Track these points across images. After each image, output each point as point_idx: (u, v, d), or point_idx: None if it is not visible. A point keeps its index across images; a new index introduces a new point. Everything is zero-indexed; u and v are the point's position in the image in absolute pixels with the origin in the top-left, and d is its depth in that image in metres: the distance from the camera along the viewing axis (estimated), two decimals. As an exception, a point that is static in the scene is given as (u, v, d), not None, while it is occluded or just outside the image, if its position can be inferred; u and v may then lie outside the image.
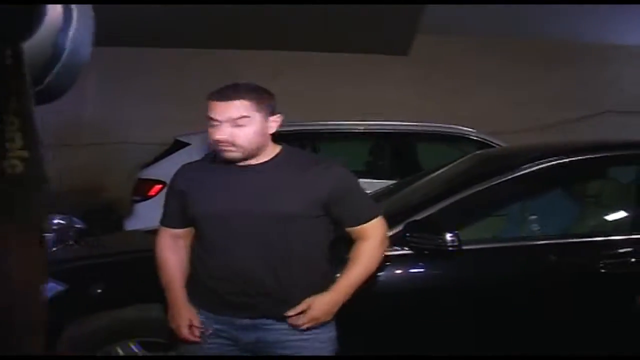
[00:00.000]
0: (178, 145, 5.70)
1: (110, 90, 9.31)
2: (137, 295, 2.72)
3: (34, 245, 0.84)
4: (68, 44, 0.86)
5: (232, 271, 2.08)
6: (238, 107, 2.03)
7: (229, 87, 2.08)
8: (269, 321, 2.09)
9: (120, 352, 2.83)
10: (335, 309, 2.13)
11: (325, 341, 2.16)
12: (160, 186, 4.81)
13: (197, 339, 2.13)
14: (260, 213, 2.05)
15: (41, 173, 0.82)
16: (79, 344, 2.81)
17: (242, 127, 2.03)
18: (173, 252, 2.22)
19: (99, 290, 2.88)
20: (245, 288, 2.07)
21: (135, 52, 9.04)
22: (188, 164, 2.30)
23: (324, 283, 2.14)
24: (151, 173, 5.23)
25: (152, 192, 4.95)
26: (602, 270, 2.74)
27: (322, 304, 2.09)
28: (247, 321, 2.09)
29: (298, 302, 2.07)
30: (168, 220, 2.25)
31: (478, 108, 8.34)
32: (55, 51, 0.85)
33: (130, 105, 9.12)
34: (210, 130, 2.07)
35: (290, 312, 2.06)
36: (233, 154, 2.07)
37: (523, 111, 8.39)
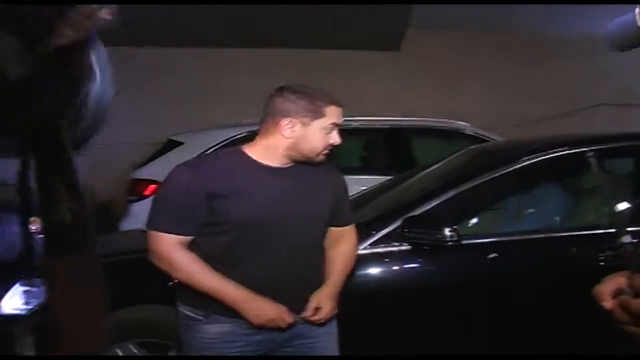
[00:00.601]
0: (172, 145, 5.67)
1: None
2: (136, 296, 2.70)
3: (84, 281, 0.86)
4: (95, 93, 0.86)
5: (277, 274, 2.06)
6: None
7: (331, 93, 2.15)
8: (299, 317, 2.14)
9: (120, 354, 2.82)
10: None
11: (335, 327, 2.26)
12: (155, 186, 4.79)
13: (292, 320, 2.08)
14: (305, 214, 2.11)
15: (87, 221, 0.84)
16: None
17: None
18: (191, 255, 2.05)
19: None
20: (288, 289, 2.08)
21: (123, 52, 8.99)
22: (194, 165, 2.13)
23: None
24: (146, 173, 5.20)
25: (147, 192, 4.93)
26: (602, 264, 2.75)
27: (329, 297, 2.17)
28: None
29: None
30: (176, 227, 2.03)
31: (470, 103, 8.35)
32: (84, 103, 0.86)
33: (120, 105, 9.08)
34: (327, 135, 2.10)
35: (309, 311, 2.13)
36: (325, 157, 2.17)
37: (515, 105, 8.42)
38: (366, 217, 3.01)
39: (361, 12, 6.64)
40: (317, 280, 2.18)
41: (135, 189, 5.17)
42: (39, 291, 2.77)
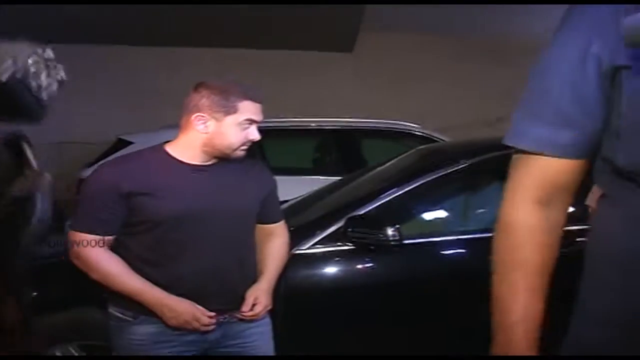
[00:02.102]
0: (121, 144, 5.61)
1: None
2: (72, 299, 2.67)
3: None
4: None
5: (203, 272, 2.05)
6: None
7: (255, 89, 2.13)
8: (231, 315, 2.13)
9: (59, 354, 2.78)
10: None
11: (269, 321, 2.25)
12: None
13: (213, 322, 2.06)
14: (228, 210, 2.09)
15: None
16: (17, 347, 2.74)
17: None
18: (110, 255, 2.04)
19: (34, 294, 2.81)
20: (217, 287, 2.07)
21: (76, 50, 8.83)
22: (114, 163, 2.14)
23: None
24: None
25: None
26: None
27: (266, 292, 2.17)
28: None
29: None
30: (98, 226, 2.02)
31: (424, 104, 8.44)
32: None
33: (71, 104, 8.93)
34: (245, 131, 2.08)
35: (246, 306, 2.11)
36: (245, 151, 2.15)
37: (469, 107, 8.52)
38: (311, 217, 3.03)
39: (314, 12, 6.66)
40: (246, 277, 2.16)
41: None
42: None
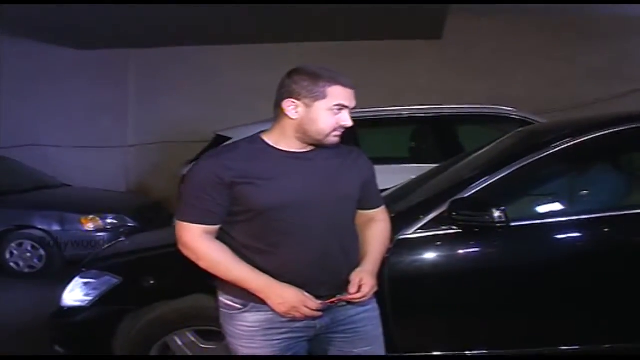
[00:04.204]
0: (219, 140, 5.78)
1: (150, 91, 9.49)
2: (190, 286, 2.77)
3: None
4: None
5: (308, 259, 2.06)
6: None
7: (344, 75, 2.09)
8: (339, 299, 2.13)
9: (179, 342, 2.91)
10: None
11: (377, 306, 2.26)
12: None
13: (320, 307, 2.07)
14: (329, 197, 2.09)
15: None
16: (135, 335, 2.89)
17: None
18: (216, 244, 2.09)
19: (152, 282, 2.96)
20: (322, 273, 2.08)
21: (167, 52, 9.21)
22: (215, 154, 2.12)
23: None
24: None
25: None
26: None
27: (371, 274, 2.16)
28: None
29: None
30: (203, 217, 2.06)
31: (517, 88, 8.23)
32: None
33: (168, 105, 9.30)
34: (336, 116, 2.06)
35: (353, 287, 2.11)
36: (339, 137, 2.12)
37: (566, 88, 8.24)
38: (413, 202, 3.03)
39: (402, 2, 6.61)
40: (351, 262, 2.16)
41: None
42: (101, 282, 2.91)
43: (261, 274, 2.04)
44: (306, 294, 2.04)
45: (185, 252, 2.10)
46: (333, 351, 2.21)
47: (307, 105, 2.03)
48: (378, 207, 2.32)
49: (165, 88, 9.27)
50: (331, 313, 2.13)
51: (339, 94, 2.04)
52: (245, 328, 2.11)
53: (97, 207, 6.74)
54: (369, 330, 2.21)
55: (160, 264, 3.03)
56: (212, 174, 2.02)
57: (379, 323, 2.26)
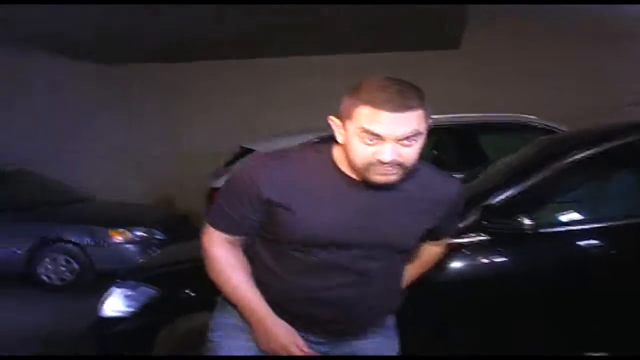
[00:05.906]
0: (245, 152, 5.88)
1: (173, 104, 9.63)
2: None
3: None
4: None
5: (323, 299, 1.78)
6: (412, 120, 1.58)
7: (398, 91, 1.57)
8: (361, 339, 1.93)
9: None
10: None
11: (392, 333, 2.03)
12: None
13: (308, 352, 1.81)
14: (374, 243, 1.75)
15: None
16: (174, 344, 2.97)
17: (412, 145, 1.60)
18: (233, 255, 1.83)
19: (192, 294, 3.04)
20: (336, 316, 1.82)
21: (189, 67, 9.34)
22: (267, 161, 1.75)
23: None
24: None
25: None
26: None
27: None
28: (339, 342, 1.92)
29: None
30: (228, 226, 1.80)
31: (537, 95, 8.22)
32: None
33: (193, 119, 9.43)
34: (365, 146, 1.58)
35: None
36: (392, 177, 1.62)
37: (586, 96, 8.20)
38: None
39: (421, 12, 6.68)
40: (380, 310, 1.90)
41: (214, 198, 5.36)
42: (139, 293, 3.02)
43: (260, 301, 1.80)
44: (298, 339, 1.80)
45: (203, 254, 1.88)
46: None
47: (344, 127, 1.65)
48: (446, 237, 2.03)
49: (186, 102, 9.43)
50: (334, 346, 1.91)
51: (365, 116, 1.56)
52: (234, 321, 1.88)
53: (126, 220, 6.85)
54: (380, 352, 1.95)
55: (198, 275, 3.09)
56: (253, 184, 1.72)
57: (395, 349, 2.00)
